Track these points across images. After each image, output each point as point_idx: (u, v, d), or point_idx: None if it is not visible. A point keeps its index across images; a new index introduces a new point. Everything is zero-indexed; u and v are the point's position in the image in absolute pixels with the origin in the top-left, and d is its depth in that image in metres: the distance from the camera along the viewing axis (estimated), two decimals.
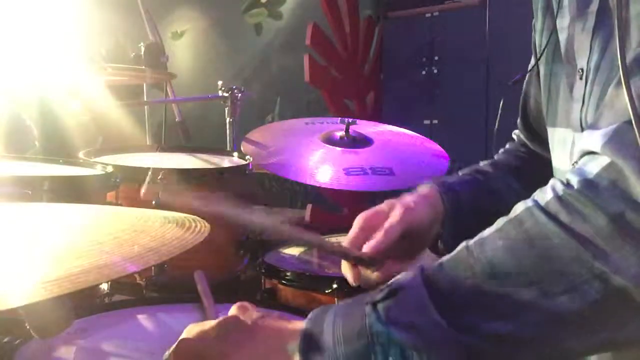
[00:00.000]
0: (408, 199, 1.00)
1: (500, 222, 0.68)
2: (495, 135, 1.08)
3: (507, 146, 1.21)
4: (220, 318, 0.73)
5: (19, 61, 1.80)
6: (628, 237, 0.59)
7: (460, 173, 1.11)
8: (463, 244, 0.68)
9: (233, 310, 0.74)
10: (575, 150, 0.84)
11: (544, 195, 0.65)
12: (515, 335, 0.62)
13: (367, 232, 0.95)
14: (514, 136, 1.22)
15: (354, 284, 0.95)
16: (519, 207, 0.67)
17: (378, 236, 0.93)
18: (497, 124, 1.07)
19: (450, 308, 0.63)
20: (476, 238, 0.68)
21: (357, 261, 0.94)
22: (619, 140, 0.62)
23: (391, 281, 0.69)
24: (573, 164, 0.83)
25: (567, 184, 0.65)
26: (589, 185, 0.62)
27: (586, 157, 0.66)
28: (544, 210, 0.64)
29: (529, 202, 0.66)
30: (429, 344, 0.62)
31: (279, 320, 0.71)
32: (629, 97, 0.58)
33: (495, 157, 1.17)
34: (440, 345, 0.62)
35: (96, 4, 3.07)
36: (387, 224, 0.95)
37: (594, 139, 0.65)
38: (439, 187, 1.03)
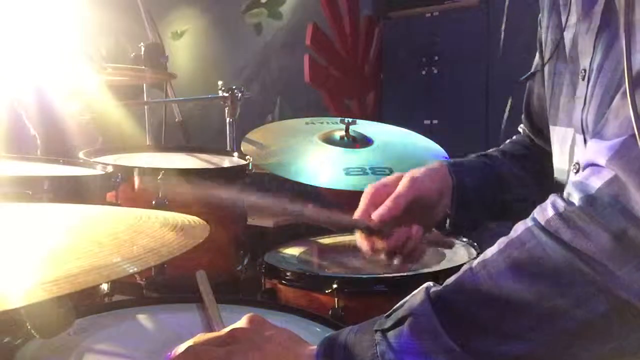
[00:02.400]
0: (415, 170, 1.01)
1: (501, 242, 0.67)
2: (503, 134, 1.10)
3: (514, 137, 1.22)
4: (230, 328, 0.72)
5: (18, 61, 1.80)
6: (631, 254, 0.59)
7: (472, 156, 1.14)
8: (466, 266, 0.68)
9: (244, 321, 0.74)
10: (576, 150, 0.84)
11: (544, 212, 0.65)
12: (530, 354, 0.62)
13: (375, 204, 0.97)
14: (520, 129, 1.23)
15: (369, 254, 0.98)
16: (520, 227, 0.67)
17: (386, 204, 0.95)
18: (504, 122, 1.09)
19: (462, 333, 0.63)
20: (479, 259, 0.68)
21: (367, 230, 0.96)
22: (625, 154, 0.62)
23: (397, 305, 0.69)
24: (574, 165, 0.83)
25: (568, 201, 0.65)
26: (590, 201, 0.62)
27: (589, 170, 0.66)
28: (544, 229, 0.64)
29: (529, 222, 0.66)
30: None
31: (290, 342, 0.71)
32: (633, 112, 0.58)
33: (502, 145, 1.18)
34: None
35: (96, 4, 3.07)
36: (394, 194, 0.97)
37: (599, 151, 0.64)
38: (448, 164, 1.05)
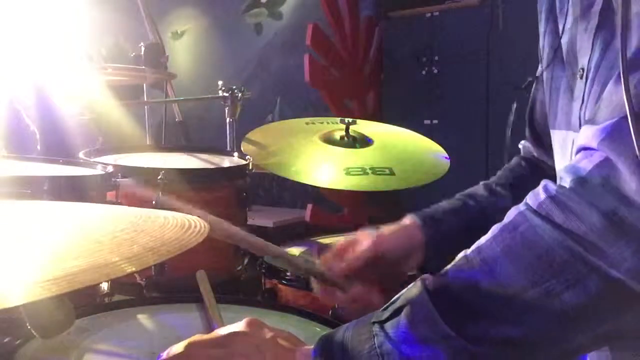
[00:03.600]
0: (384, 228, 1.02)
1: (495, 228, 0.68)
2: (509, 141, 1.08)
3: (511, 162, 1.20)
4: (229, 332, 0.72)
5: (18, 61, 1.80)
6: (621, 233, 0.59)
7: (456, 196, 1.12)
8: (462, 254, 0.69)
9: (242, 325, 0.74)
10: (574, 150, 0.84)
11: (536, 197, 0.66)
12: (525, 337, 0.63)
13: (339, 257, 0.99)
14: (520, 146, 1.22)
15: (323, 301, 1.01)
16: (512, 212, 0.68)
17: (347, 259, 0.97)
18: (509, 131, 1.08)
19: (458, 319, 0.63)
20: (474, 247, 0.68)
21: (324, 281, 0.98)
22: (615, 136, 0.62)
23: (394, 299, 0.69)
24: None
25: (559, 185, 0.65)
26: (581, 182, 0.63)
27: (581, 154, 0.67)
28: (536, 212, 0.65)
29: (521, 207, 0.67)
30: (440, 357, 0.62)
31: (289, 344, 0.71)
32: (625, 91, 0.59)
33: (492, 177, 1.17)
34: (452, 357, 0.62)
35: (96, 4, 3.07)
36: (357, 250, 0.98)
37: (591, 134, 0.65)
38: (420, 219, 1.04)
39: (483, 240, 0.68)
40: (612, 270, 0.59)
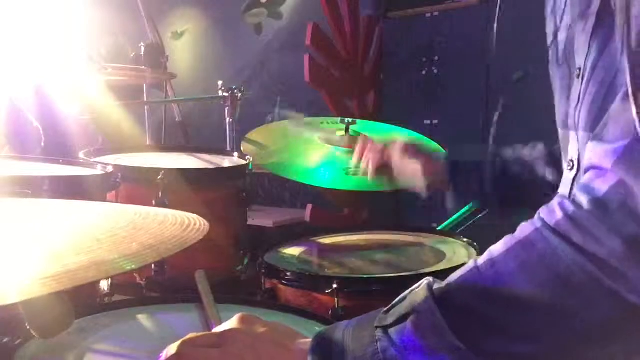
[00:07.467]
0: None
1: (508, 241, 0.67)
2: (494, 135, 1.10)
3: None
4: (223, 330, 0.72)
5: (19, 61, 1.80)
6: None
7: None
8: (471, 264, 0.68)
9: (235, 321, 0.73)
10: (570, 148, 0.84)
11: (552, 213, 0.65)
12: (537, 354, 0.63)
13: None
14: None
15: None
16: (527, 228, 0.66)
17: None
18: (493, 130, 1.09)
19: (468, 332, 0.63)
20: (485, 258, 0.67)
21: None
22: (630, 158, 0.61)
23: (396, 301, 0.68)
24: (568, 162, 0.83)
25: (575, 202, 0.64)
26: (599, 205, 0.62)
27: (592, 173, 0.65)
28: (554, 231, 0.64)
29: (537, 223, 0.66)
30: None
31: (283, 339, 0.70)
32: (637, 114, 0.58)
33: None
34: None
35: (96, 4, 3.07)
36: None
37: (602, 153, 0.64)
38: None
39: (495, 252, 0.67)
40: (630, 295, 0.59)
